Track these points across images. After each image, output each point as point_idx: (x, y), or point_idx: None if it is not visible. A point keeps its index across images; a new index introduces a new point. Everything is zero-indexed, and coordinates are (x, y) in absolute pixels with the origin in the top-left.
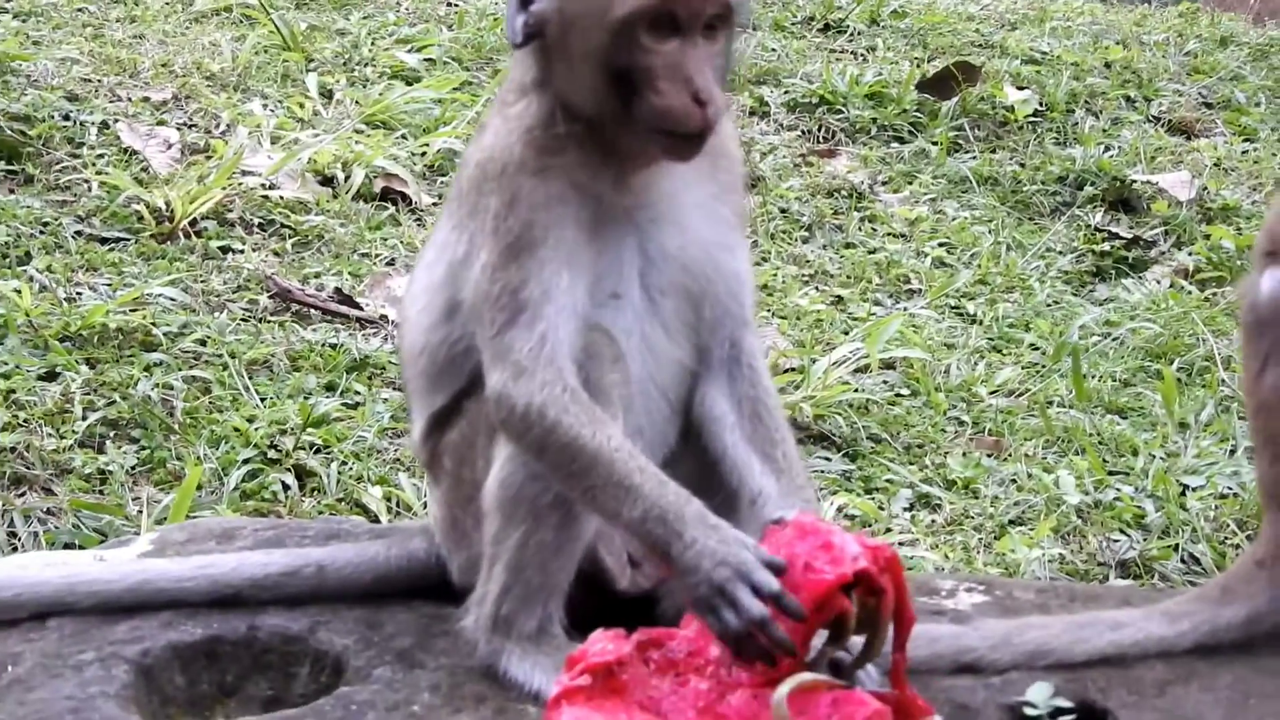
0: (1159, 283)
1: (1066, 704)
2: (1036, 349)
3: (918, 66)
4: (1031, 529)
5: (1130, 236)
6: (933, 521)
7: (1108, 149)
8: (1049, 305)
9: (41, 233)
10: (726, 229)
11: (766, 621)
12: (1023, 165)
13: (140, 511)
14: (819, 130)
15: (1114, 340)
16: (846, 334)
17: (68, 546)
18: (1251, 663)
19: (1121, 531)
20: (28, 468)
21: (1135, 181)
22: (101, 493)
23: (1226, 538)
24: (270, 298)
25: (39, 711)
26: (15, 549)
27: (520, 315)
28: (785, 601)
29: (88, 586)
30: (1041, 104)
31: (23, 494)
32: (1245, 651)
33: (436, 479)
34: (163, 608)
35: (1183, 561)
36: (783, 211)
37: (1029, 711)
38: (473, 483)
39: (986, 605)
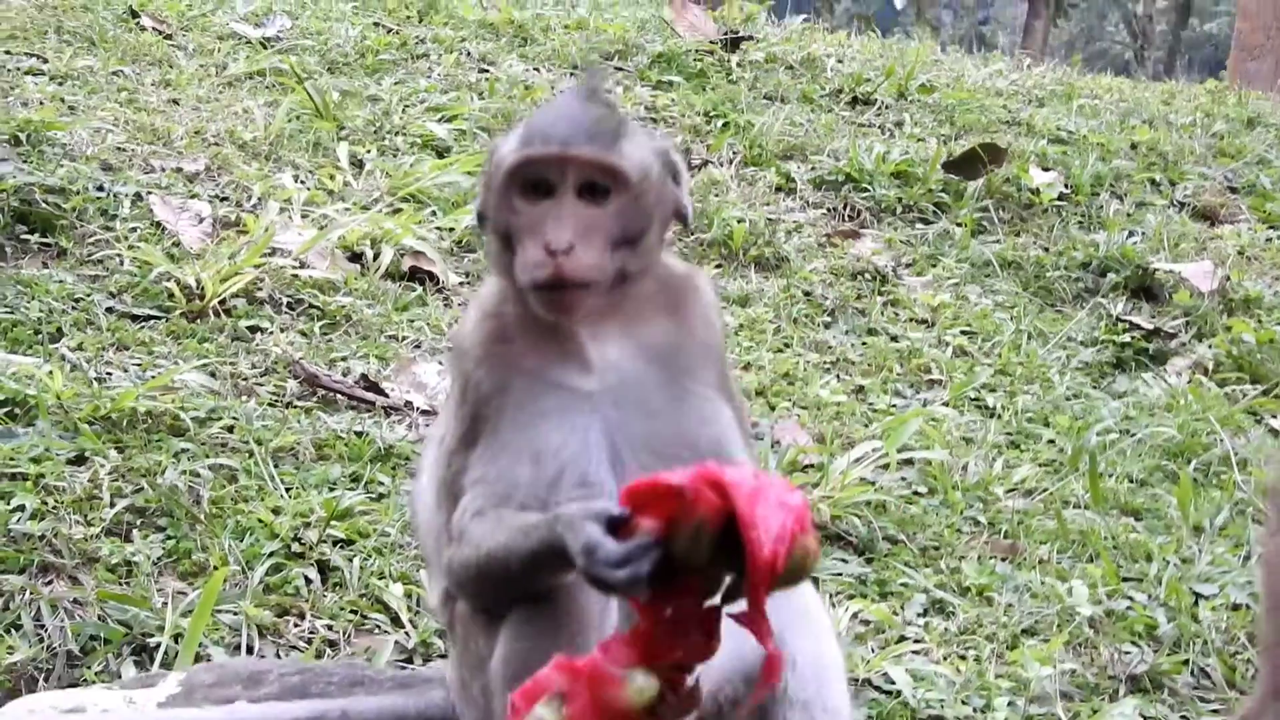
0: (1179, 376)
1: None
2: (1053, 443)
3: (944, 144)
4: (1045, 639)
5: (1151, 328)
6: (946, 630)
7: (1131, 234)
8: (1068, 399)
9: (74, 308)
10: (700, 402)
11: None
12: (1046, 250)
13: (165, 604)
14: (844, 208)
15: (1131, 436)
16: (867, 425)
17: (93, 639)
18: None
19: (1133, 643)
20: (56, 555)
21: (1158, 270)
22: (128, 583)
23: (1237, 651)
24: (298, 382)
25: None
26: (41, 639)
27: (461, 494)
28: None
29: None
30: (1067, 186)
31: (50, 582)
32: None
33: (452, 641)
34: None
35: (1193, 675)
36: (806, 295)
37: None
38: (477, 655)
39: None
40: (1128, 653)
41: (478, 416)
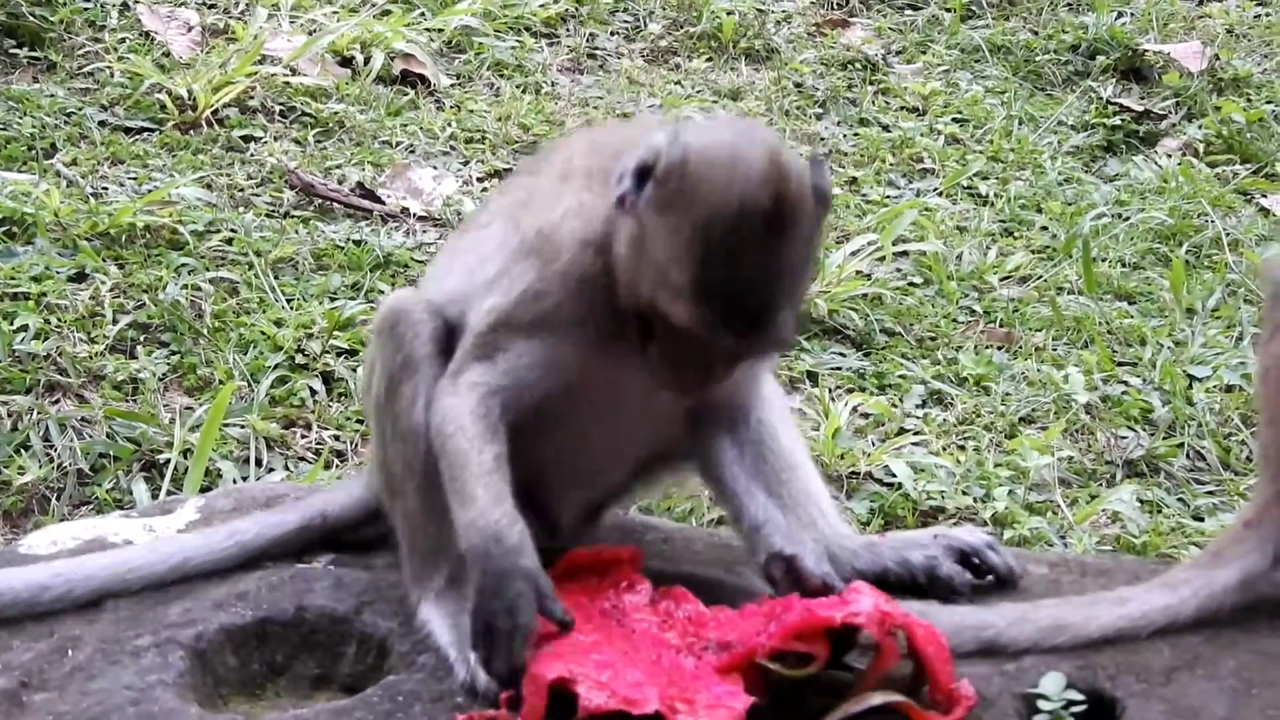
0: (1170, 157)
1: (1078, 696)
2: (1046, 229)
3: None
4: (1042, 427)
5: (1141, 110)
6: (944, 420)
7: (1120, 15)
8: (1060, 184)
9: (66, 123)
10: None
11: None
12: (1035, 33)
13: (173, 420)
14: None
15: (1124, 220)
16: (861, 217)
17: (103, 457)
18: (1252, 645)
19: (1129, 428)
20: (61, 374)
21: (1147, 51)
22: (135, 400)
23: (1231, 433)
24: (294, 191)
25: (101, 703)
26: (51, 459)
27: (489, 360)
28: (514, 690)
29: (137, 573)
30: None
31: (56, 402)
32: (1246, 631)
33: None
34: (205, 576)
35: (1188, 457)
36: (797, 87)
37: (1043, 705)
38: None
39: None
40: (1124, 438)
41: (543, 321)
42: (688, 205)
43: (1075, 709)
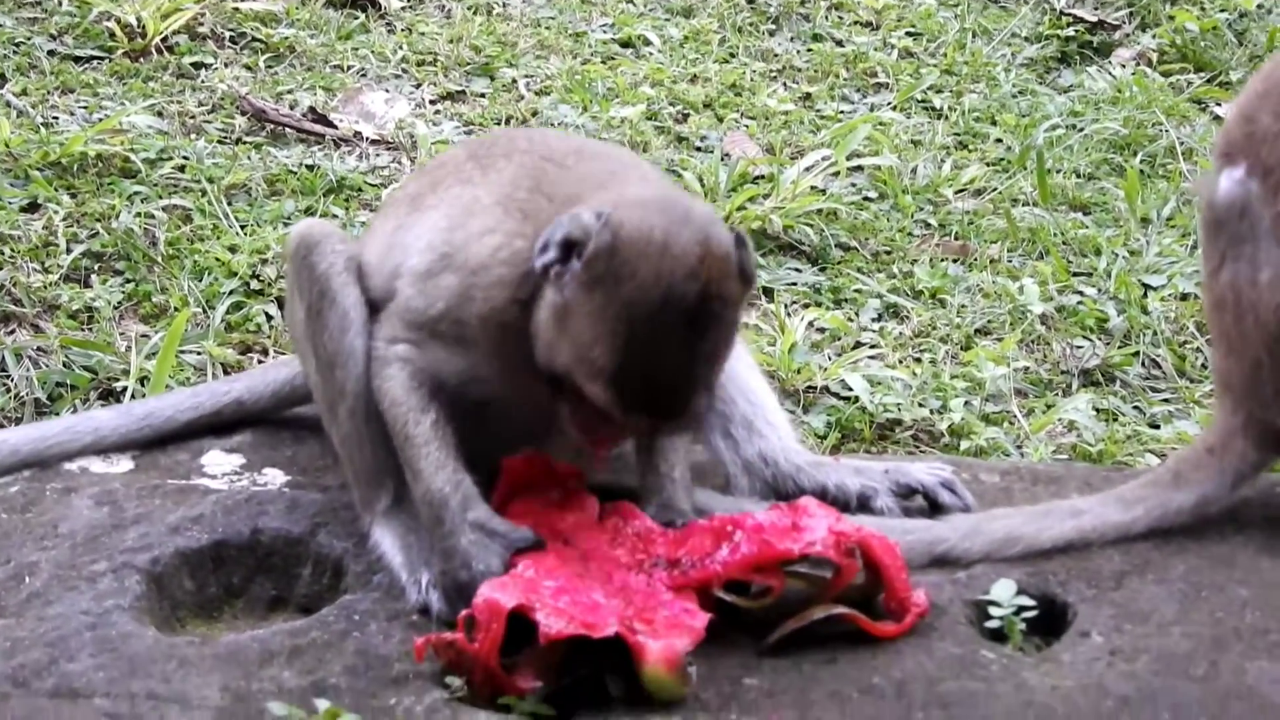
0: (1124, 67)
1: (1029, 602)
2: (1001, 142)
3: None
4: (998, 338)
5: (1095, 20)
6: (900, 334)
7: None
8: (1014, 96)
9: (15, 53)
10: None
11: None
12: None
13: (129, 348)
14: None
15: (1078, 131)
16: (816, 133)
17: (60, 386)
18: (1202, 551)
19: (1085, 338)
20: (15, 304)
21: None
22: (90, 328)
23: (1186, 341)
24: (245, 117)
25: (59, 628)
26: (7, 388)
27: (416, 345)
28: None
29: (51, 446)
30: None
31: (12, 332)
32: (1196, 538)
33: None
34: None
35: (1143, 366)
36: (750, 2)
37: (994, 611)
38: None
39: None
40: (1079, 347)
41: (461, 343)
42: (614, 290)
43: (1026, 614)
